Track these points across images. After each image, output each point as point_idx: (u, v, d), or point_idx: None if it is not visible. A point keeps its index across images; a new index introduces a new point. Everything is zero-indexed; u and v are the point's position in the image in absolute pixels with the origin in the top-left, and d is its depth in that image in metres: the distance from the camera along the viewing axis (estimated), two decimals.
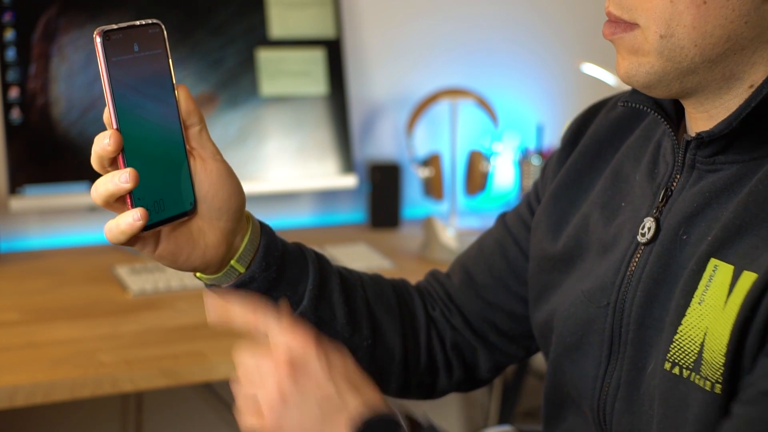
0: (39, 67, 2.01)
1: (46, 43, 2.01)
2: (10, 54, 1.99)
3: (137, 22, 0.88)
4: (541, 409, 1.13)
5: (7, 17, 2.00)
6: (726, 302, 0.86)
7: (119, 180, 0.86)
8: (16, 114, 2.00)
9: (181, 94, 0.91)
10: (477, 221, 2.41)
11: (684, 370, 0.88)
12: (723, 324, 0.86)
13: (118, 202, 0.89)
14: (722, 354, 0.85)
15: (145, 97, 0.88)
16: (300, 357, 0.88)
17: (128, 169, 0.86)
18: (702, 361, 0.87)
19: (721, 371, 0.85)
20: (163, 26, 0.89)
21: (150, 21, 0.89)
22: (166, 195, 0.90)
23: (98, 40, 0.85)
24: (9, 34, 2.00)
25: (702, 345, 0.87)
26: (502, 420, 2.35)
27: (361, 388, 0.89)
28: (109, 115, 0.87)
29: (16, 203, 1.99)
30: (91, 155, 0.88)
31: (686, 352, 0.89)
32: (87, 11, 2.05)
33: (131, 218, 0.87)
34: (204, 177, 0.93)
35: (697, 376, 0.87)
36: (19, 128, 2.00)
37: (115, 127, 0.86)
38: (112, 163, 0.88)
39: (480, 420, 2.54)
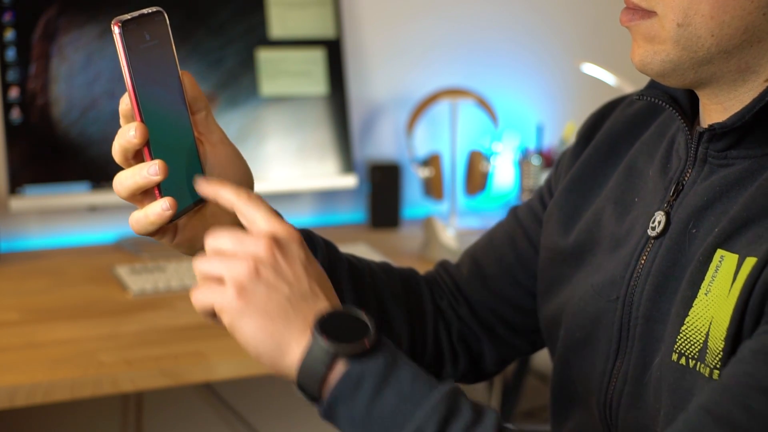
0: (39, 67, 2.01)
1: (46, 43, 2.01)
2: (10, 54, 1.99)
3: (145, 11, 0.87)
4: (548, 406, 1.12)
5: (7, 17, 2.00)
6: (730, 290, 0.86)
7: (148, 172, 0.86)
8: (16, 114, 2.00)
9: (186, 81, 0.91)
10: (477, 221, 2.40)
11: (690, 360, 0.88)
12: (725, 311, 0.86)
13: (141, 194, 0.89)
14: (722, 339, 0.86)
15: (159, 86, 0.88)
16: (285, 239, 0.85)
17: (157, 161, 0.86)
18: (707, 350, 0.87)
19: (720, 356, 0.86)
20: (165, 14, 0.89)
21: (154, 9, 0.88)
22: (185, 183, 0.90)
23: (117, 31, 0.84)
24: (9, 34, 2.00)
25: (707, 334, 0.87)
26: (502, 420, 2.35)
27: (330, 293, 0.87)
28: (132, 106, 0.86)
29: (16, 203, 1.99)
30: (112, 149, 0.88)
31: (692, 343, 0.89)
32: (87, 11, 2.04)
33: (160, 208, 0.87)
34: (214, 161, 0.93)
35: (701, 365, 0.87)
36: (19, 128, 2.00)
37: (139, 118, 0.86)
38: (136, 156, 0.88)
39: None
